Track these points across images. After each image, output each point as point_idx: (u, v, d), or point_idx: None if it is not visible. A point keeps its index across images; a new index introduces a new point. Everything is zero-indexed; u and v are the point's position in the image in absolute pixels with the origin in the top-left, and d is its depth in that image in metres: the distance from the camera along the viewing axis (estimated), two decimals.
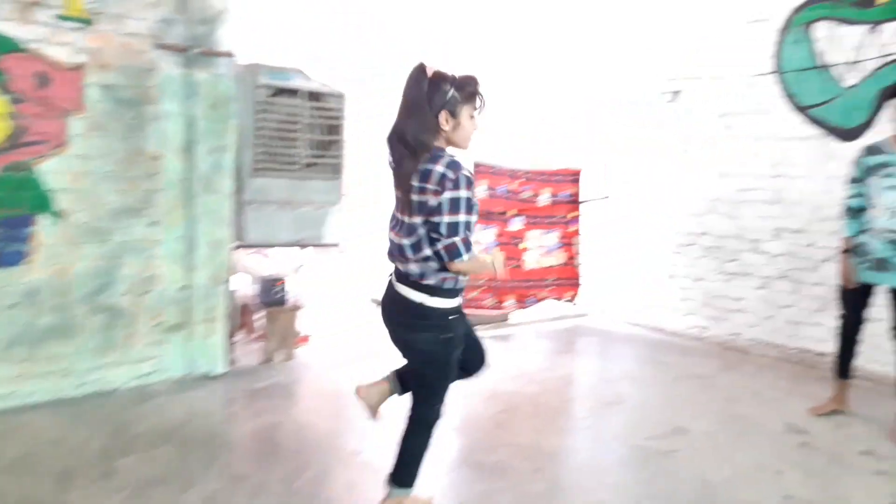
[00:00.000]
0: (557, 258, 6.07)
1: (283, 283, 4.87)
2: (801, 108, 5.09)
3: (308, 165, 4.72)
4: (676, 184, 5.94)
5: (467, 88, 2.31)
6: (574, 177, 6.14)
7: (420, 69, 2.31)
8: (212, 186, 4.22)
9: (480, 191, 5.57)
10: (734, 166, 5.53)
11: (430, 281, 2.34)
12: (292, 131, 4.60)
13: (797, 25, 5.08)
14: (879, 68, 4.61)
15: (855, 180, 3.70)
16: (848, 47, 4.78)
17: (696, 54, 5.72)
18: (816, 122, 4.99)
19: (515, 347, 5.45)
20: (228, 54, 4.22)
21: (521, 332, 5.92)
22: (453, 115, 2.30)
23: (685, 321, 5.92)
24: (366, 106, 5.25)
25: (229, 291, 4.44)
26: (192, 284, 4.19)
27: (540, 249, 5.95)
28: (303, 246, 4.93)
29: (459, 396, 4.08)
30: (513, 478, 3.03)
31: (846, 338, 3.83)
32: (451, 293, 2.39)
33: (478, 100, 2.34)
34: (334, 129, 4.79)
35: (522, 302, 5.88)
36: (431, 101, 2.28)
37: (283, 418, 3.71)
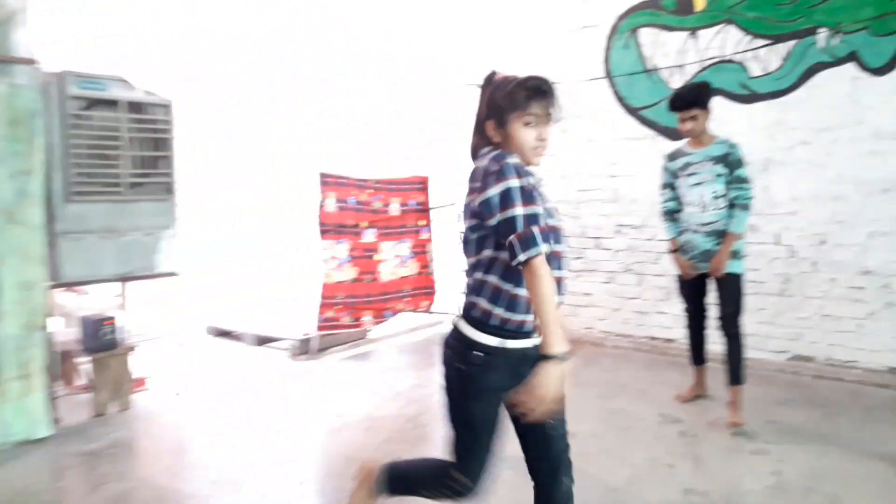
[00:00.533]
0: (411, 268, 5.94)
1: (111, 322, 4.20)
2: (633, 110, 5.37)
3: (133, 186, 4.12)
4: None
5: (516, 92, 1.91)
6: (422, 184, 6.05)
7: (487, 76, 2.03)
8: (17, 217, 3.51)
9: (329, 204, 5.27)
10: (573, 167, 5.72)
11: (478, 313, 1.93)
12: (112, 148, 4.00)
13: (623, 31, 5.36)
14: (700, 71, 4.98)
15: (665, 185, 3.95)
16: (672, 52, 5.12)
17: (532, 60, 5.82)
18: (647, 123, 5.29)
19: (381, 366, 5.20)
20: (29, 61, 3.53)
21: (382, 348, 5.67)
22: (500, 123, 1.94)
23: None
24: (203, 113, 4.71)
25: (47, 339, 3.73)
26: None
27: (394, 261, 5.77)
28: (132, 279, 4.30)
29: (334, 431, 3.81)
30: None
31: (693, 327, 4.04)
32: (503, 331, 1.91)
33: (534, 106, 1.90)
34: (162, 144, 4.23)
35: (380, 316, 5.67)
36: (479, 109, 2.02)
37: (133, 483, 3.16)
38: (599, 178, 5.56)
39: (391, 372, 4.99)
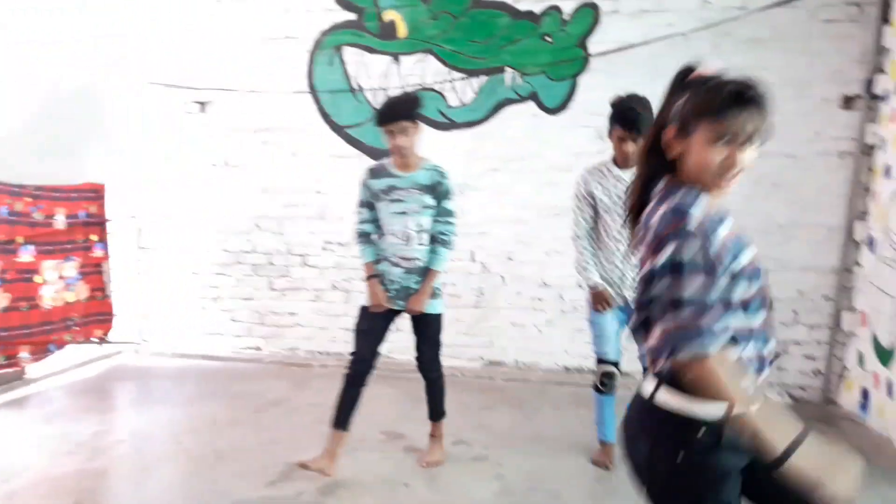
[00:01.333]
0: (81, 292, 5.03)
1: None
2: (338, 128, 5.35)
3: None
4: (217, 200, 5.56)
5: (713, 95, 1.45)
6: (95, 193, 5.19)
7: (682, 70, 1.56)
8: None
9: None
10: (277, 182, 5.47)
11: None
12: None
13: (327, 47, 5.31)
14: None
15: (363, 204, 3.43)
16: (375, 74, 5.23)
17: (229, 67, 5.42)
18: (353, 142, 5.32)
19: (48, 411, 4.24)
20: None
21: (47, 390, 4.67)
22: (683, 132, 1.50)
23: (238, 343, 5.62)
24: None
25: None
26: None
27: (59, 283, 4.82)
28: None
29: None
30: None
31: (354, 378, 3.33)
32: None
33: (732, 117, 1.43)
34: None
35: (42, 351, 4.68)
36: (661, 112, 1.56)
37: None
38: (305, 195, 5.41)
39: (62, 418, 4.11)
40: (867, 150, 4.41)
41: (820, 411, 4.48)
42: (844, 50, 4.46)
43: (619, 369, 3.44)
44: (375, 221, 3.43)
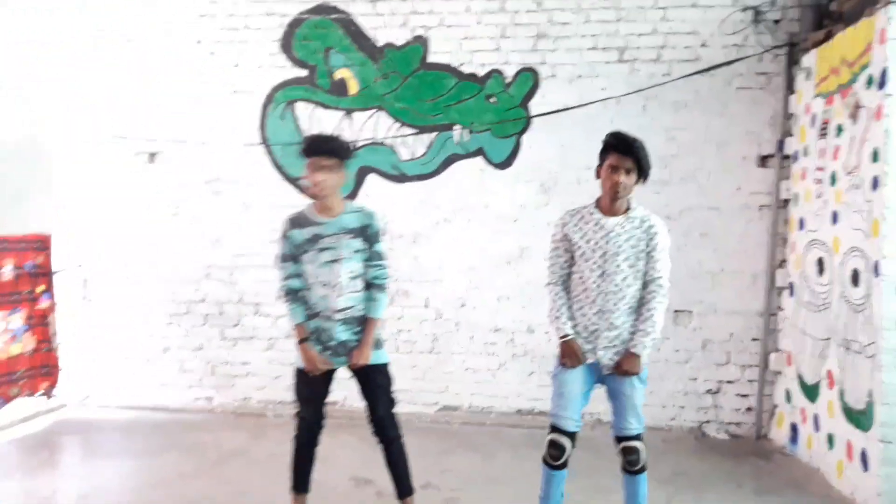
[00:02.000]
0: (27, 343, 4.91)
1: None
2: (291, 179, 5.48)
3: None
4: (167, 250, 5.55)
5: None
6: (41, 243, 5.11)
7: None
8: None
9: None
10: (228, 232, 5.53)
11: None
12: None
13: (279, 102, 5.48)
14: (356, 149, 5.35)
15: (286, 258, 3.20)
16: (328, 128, 5.40)
17: (180, 118, 5.49)
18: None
19: (5, 468, 4.10)
20: None
21: None
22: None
23: (189, 394, 5.56)
24: None
25: None
26: None
27: (5, 335, 4.70)
28: None
29: None
30: None
31: (305, 441, 3.26)
32: None
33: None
34: None
35: None
36: None
37: None
38: (258, 244, 5.47)
39: (20, 474, 4.04)
40: (782, 204, 4.91)
41: (754, 446, 4.83)
42: (757, 114, 4.98)
43: (573, 441, 3.01)
44: (301, 275, 3.18)
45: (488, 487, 3.92)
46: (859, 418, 3.78)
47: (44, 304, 5.08)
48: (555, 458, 2.97)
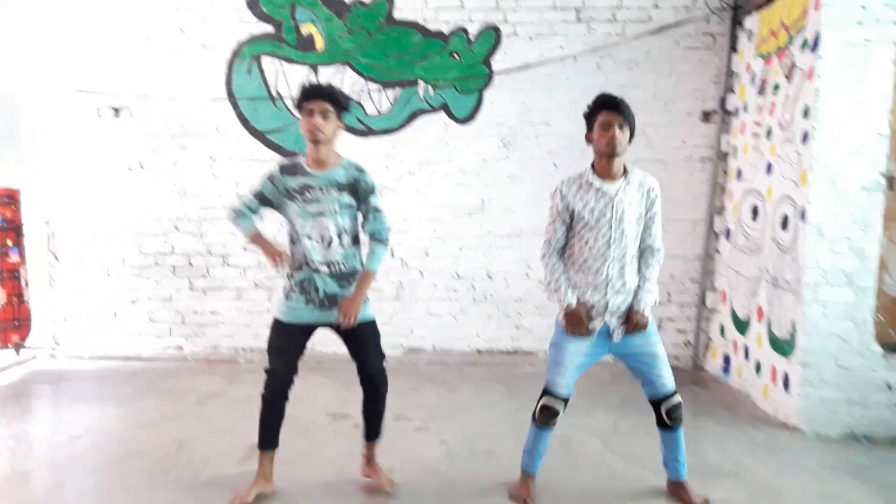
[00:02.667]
0: None
1: None
2: (258, 133, 5.60)
3: None
4: (134, 203, 5.62)
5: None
6: (10, 199, 5.13)
7: None
8: None
9: None
10: (195, 185, 5.63)
11: None
12: None
13: (245, 57, 5.55)
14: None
15: (258, 196, 3.10)
16: (294, 82, 5.52)
17: (145, 73, 5.51)
18: (273, 146, 5.59)
19: None
20: None
21: None
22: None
23: (160, 343, 5.72)
24: None
25: None
26: None
27: None
28: None
29: None
30: None
31: (278, 394, 3.07)
32: None
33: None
34: None
35: None
36: None
37: None
38: (225, 197, 5.60)
39: (6, 420, 4.14)
40: (722, 157, 5.32)
41: (691, 376, 5.32)
42: (703, 72, 5.35)
43: (566, 405, 3.06)
44: (257, 214, 3.14)
45: (454, 416, 4.28)
46: (783, 346, 4.26)
47: (13, 258, 5.13)
48: (547, 420, 3.04)
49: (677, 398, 3.07)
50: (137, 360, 5.60)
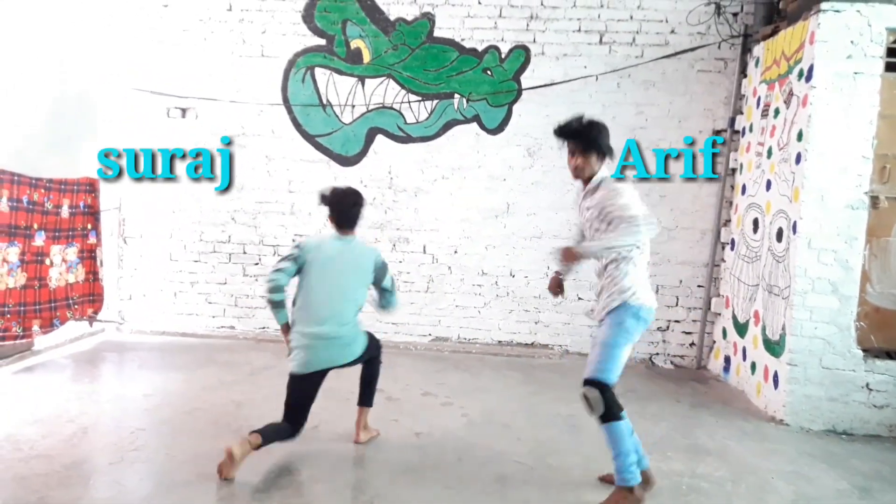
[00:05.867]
0: (79, 274, 5.67)
1: None
2: (309, 137, 6.22)
3: None
4: (196, 196, 6.29)
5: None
6: (90, 186, 5.83)
7: None
8: None
9: (2, 205, 4.78)
10: (252, 181, 6.27)
11: None
12: None
13: (300, 67, 6.17)
14: (367, 112, 6.12)
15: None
16: (343, 92, 6.13)
17: (209, 78, 6.18)
18: (322, 149, 6.20)
19: (77, 374, 4.94)
20: None
21: (57, 359, 5.31)
22: None
23: (214, 322, 6.37)
24: None
25: None
26: None
27: (63, 265, 5.45)
28: None
29: None
30: None
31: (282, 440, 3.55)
32: None
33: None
34: None
35: (49, 325, 5.31)
36: None
37: None
38: (277, 193, 6.24)
39: (89, 379, 4.84)
40: (730, 172, 5.78)
41: (694, 374, 5.78)
42: (714, 94, 5.81)
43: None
44: None
45: (475, 395, 4.83)
46: (774, 347, 4.72)
47: (91, 239, 5.82)
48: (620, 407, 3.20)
49: (583, 389, 3.18)
50: (193, 337, 6.26)
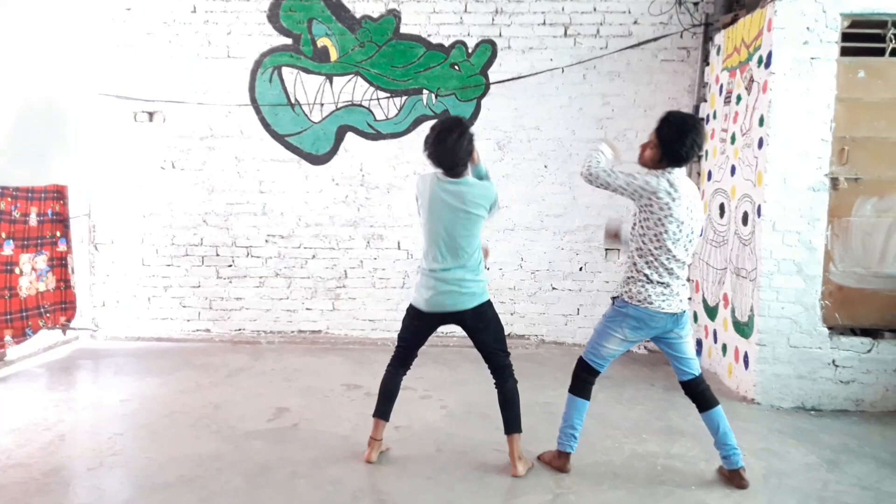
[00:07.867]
0: (50, 282, 5.60)
1: None
2: (278, 136, 6.20)
3: None
4: (167, 199, 6.24)
5: None
6: (58, 193, 5.76)
7: None
8: None
9: None
10: (222, 183, 6.24)
11: None
12: None
13: (267, 67, 6.15)
14: (336, 110, 6.12)
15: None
16: (311, 90, 6.13)
17: (175, 81, 6.12)
18: (292, 148, 6.19)
19: (51, 384, 4.90)
20: None
21: (29, 369, 5.25)
22: None
23: (189, 326, 6.34)
24: None
25: None
26: None
27: (33, 274, 5.38)
28: None
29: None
30: None
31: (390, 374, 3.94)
32: None
33: None
34: None
35: (21, 335, 5.24)
36: None
37: None
38: (249, 194, 6.22)
39: (64, 388, 4.80)
40: (696, 160, 5.88)
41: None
42: (678, 82, 5.92)
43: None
44: None
45: (455, 387, 4.89)
46: (743, 328, 4.84)
47: (61, 247, 5.74)
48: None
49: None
50: (169, 341, 6.22)
